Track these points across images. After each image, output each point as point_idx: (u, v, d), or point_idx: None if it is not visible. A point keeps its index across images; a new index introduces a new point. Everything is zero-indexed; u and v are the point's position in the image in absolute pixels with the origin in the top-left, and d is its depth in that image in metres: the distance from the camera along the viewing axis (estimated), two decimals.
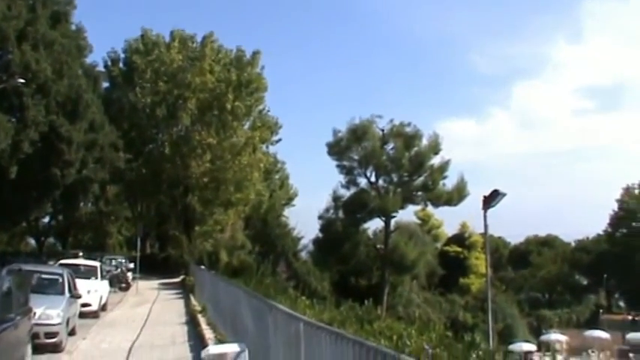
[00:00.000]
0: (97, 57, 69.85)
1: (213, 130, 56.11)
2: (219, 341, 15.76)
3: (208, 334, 18.87)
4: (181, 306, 31.63)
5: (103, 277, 30.27)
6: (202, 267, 34.73)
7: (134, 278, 43.44)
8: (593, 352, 56.68)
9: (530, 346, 52.13)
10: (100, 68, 59.91)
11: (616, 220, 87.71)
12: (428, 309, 62.41)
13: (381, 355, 4.33)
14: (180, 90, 56.40)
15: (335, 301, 22.00)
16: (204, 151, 56.48)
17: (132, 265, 46.60)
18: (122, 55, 62.97)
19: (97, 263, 31.45)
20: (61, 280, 20.22)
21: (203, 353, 8.37)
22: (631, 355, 56.41)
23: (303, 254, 65.37)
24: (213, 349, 8.46)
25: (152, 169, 58.08)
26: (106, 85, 61.61)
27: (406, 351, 6.21)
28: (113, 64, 62.89)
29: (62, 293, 19.45)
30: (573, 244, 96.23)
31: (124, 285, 41.47)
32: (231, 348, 8.17)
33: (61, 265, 26.94)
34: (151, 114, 57.47)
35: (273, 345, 8.81)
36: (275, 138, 68.57)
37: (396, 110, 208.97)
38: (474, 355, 6.25)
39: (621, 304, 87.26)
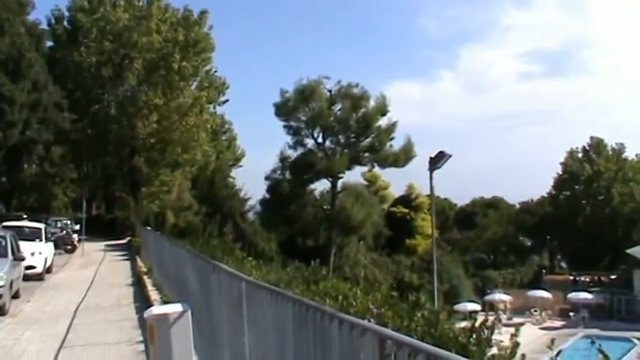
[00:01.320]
0: (40, 15, 68.65)
1: (160, 91, 55.50)
2: (165, 302, 15.81)
3: (154, 295, 18.91)
4: (127, 268, 31.58)
5: (47, 240, 30.05)
6: (148, 228, 34.60)
7: (80, 240, 43.16)
8: (535, 311, 57.92)
9: (475, 306, 53.11)
10: (44, 26, 58.95)
11: (560, 183, 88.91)
12: (374, 270, 62.97)
13: (319, 313, 4.44)
14: (127, 50, 55.55)
15: (282, 262, 22.20)
16: (151, 112, 55.95)
17: (78, 227, 46.25)
18: (66, 14, 61.62)
19: (41, 225, 31.20)
20: (3, 242, 20.06)
21: (145, 314, 8.43)
22: (571, 314, 57.77)
23: (251, 215, 65.41)
24: (155, 309, 8.52)
25: (98, 129, 57.29)
26: (49, 44, 60.47)
27: (351, 311, 6.36)
28: (57, 23, 61.61)
29: (5, 256, 19.31)
30: (518, 206, 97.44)
31: (69, 247, 41.16)
32: (174, 308, 8.25)
33: (4, 227, 26.60)
34: (96, 74, 56.50)
35: (217, 305, 8.90)
36: (222, 99, 67.95)
37: (345, 72, 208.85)
38: (419, 315, 6.39)
39: (563, 265, 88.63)
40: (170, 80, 55.32)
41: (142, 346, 12.28)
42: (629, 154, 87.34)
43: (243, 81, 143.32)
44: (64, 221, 48.98)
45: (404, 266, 67.16)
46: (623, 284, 60.07)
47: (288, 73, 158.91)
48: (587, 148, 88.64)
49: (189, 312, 8.14)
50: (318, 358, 4.49)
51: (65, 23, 61.42)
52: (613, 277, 67.06)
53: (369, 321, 5.46)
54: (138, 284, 23.54)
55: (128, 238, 45.98)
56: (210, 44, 58.78)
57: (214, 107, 66.22)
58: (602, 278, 67.88)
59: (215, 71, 64.44)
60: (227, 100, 69.55)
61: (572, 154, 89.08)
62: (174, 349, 7.90)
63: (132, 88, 57.20)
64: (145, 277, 23.72)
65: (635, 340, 34.50)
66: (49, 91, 49.19)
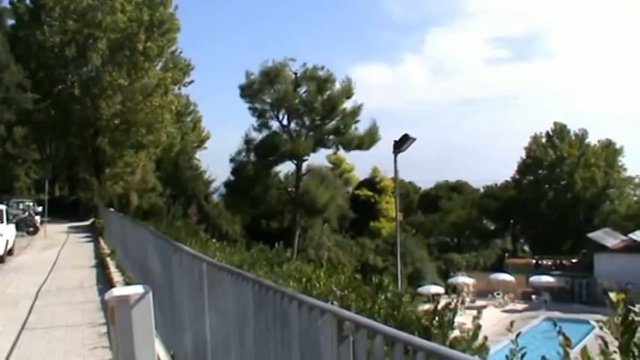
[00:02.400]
0: None
1: (124, 71, 54.96)
2: (127, 284, 15.78)
3: (117, 277, 18.86)
4: (91, 249, 31.37)
5: (9, 221, 29.78)
6: (112, 210, 34.41)
7: (42, 222, 42.81)
8: (498, 294, 58.53)
9: (438, 289, 53.53)
10: (5, 4, 58.14)
11: (523, 168, 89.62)
12: (339, 252, 63.27)
13: (279, 294, 4.45)
14: (91, 29, 54.88)
15: (246, 244, 22.19)
16: (115, 93, 55.42)
17: (40, 209, 45.88)
18: None
19: (2, 207, 30.86)
20: None
21: (106, 296, 8.38)
22: (533, 297, 58.45)
23: (215, 197, 65.40)
24: (116, 291, 8.46)
25: (61, 110, 56.62)
26: (11, 22, 59.67)
27: (314, 293, 6.38)
28: (19, 1, 60.52)
29: None
30: (482, 190, 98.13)
31: (31, 229, 40.84)
32: (135, 290, 8.20)
33: None
34: (59, 54, 55.78)
35: (179, 286, 8.89)
36: (187, 80, 67.55)
37: (311, 54, 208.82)
38: (382, 297, 6.42)
39: (526, 248, 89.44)
40: (135, 61, 54.82)
41: (104, 328, 12.26)
42: (592, 139, 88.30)
43: (209, 62, 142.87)
44: (27, 203, 48.54)
45: (368, 249, 67.51)
46: (584, 268, 60.87)
47: (254, 55, 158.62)
48: (551, 133, 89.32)
49: (151, 293, 8.11)
50: (277, 338, 4.51)
51: (27, 1, 60.48)
52: (574, 260, 67.83)
53: (332, 303, 5.49)
54: (101, 266, 23.43)
55: (91, 220, 45.72)
56: (176, 25, 58.26)
57: (179, 88, 65.80)
58: (564, 262, 68.58)
59: (180, 52, 64.02)
60: (192, 82, 69.15)
61: (535, 139, 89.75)
62: (136, 330, 7.87)
63: (96, 68, 56.52)
64: (108, 258, 23.63)
65: (594, 322, 35.01)
66: (10, 71, 48.55)
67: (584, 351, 3.28)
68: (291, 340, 4.21)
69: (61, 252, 31.12)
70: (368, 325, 3.16)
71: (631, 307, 3.15)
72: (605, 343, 3.22)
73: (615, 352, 3.12)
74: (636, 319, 3.12)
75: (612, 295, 3.23)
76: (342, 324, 3.38)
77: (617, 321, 3.14)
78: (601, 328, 3.30)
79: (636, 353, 3.03)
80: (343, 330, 3.36)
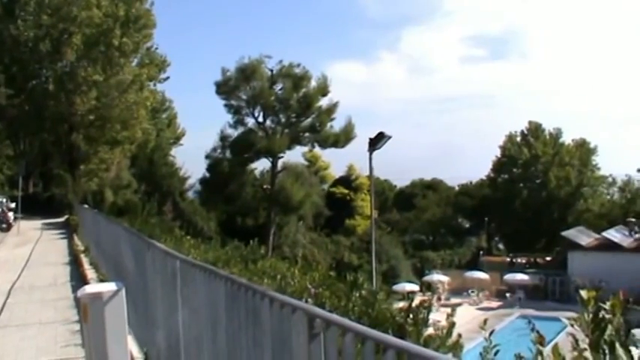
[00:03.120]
0: None
1: (100, 67, 54.58)
2: (102, 281, 15.71)
3: (90, 274, 18.76)
4: (64, 246, 31.17)
5: None
6: (86, 206, 34.21)
7: (16, 218, 42.48)
8: (472, 291, 58.79)
9: (413, 286, 53.67)
10: None
11: (498, 167, 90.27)
12: (314, 249, 63.31)
13: (251, 292, 4.43)
14: (65, 24, 54.45)
15: (221, 241, 22.15)
16: (90, 88, 55.02)
17: (13, 205, 45.49)
18: None
19: None
20: None
21: (79, 293, 8.32)
22: (508, 294, 58.78)
23: (190, 194, 65.29)
24: (89, 288, 8.41)
25: (35, 105, 56.16)
26: None
27: (288, 290, 6.36)
28: None
29: None
30: (457, 188, 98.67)
31: (4, 225, 40.60)
32: (108, 287, 8.15)
33: None
34: (34, 48, 55.31)
35: (152, 283, 8.85)
36: (163, 76, 67.26)
37: (287, 52, 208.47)
38: (357, 295, 6.42)
39: (501, 246, 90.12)
40: (110, 56, 54.46)
41: (77, 326, 12.16)
42: (566, 138, 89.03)
43: (185, 59, 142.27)
44: None
45: (343, 246, 67.60)
46: (558, 266, 61.30)
47: (230, 51, 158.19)
48: (526, 132, 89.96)
49: (124, 290, 8.06)
50: (249, 335, 4.49)
51: None
52: (548, 258, 68.40)
53: (307, 301, 5.48)
54: (75, 263, 23.29)
55: (66, 217, 45.41)
56: (152, 21, 57.97)
57: (155, 85, 65.52)
58: (538, 260, 69.13)
59: (156, 48, 63.70)
60: (168, 78, 68.87)
61: (510, 138, 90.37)
62: (108, 327, 7.82)
63: (71, 63, 56.11)
64: (82, 255, 23.51)
65: (565, 320, 35.18)
66: None
67: (554, 348, 3.29)
68: (263, 338, 4.20)
69: (35, 249, 30.90)
70: (339, 322, 3.15)
71: (601, 305, 3.16)
72: (576, 341, 3.23)
73: (586, 349, 3.13)
74: (607, 316, 3.13)
75: (583, 293, 3.24)
76: (313, 321, 3.37)
77: (588, 318, 3.16)
78: (572, 325, 3.31)
79: (606, 350, 3.05)
80: (314, 327, 3.35)
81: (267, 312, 4.06)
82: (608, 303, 3.16)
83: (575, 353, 3.17)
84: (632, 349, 3.06)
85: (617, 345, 3.03)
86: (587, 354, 3.10)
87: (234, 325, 4.85)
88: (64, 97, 55.04)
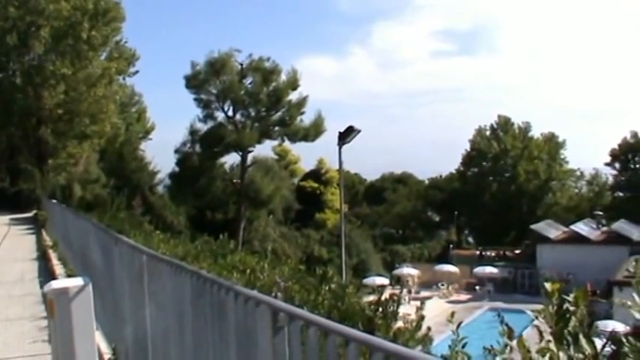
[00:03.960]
0: None
1: (68, 61, 54.08)
2: (69, 276, 15.57)
3: (59, 269, 18.63)
4: (32, 242, 30.91)
5: None
6: (54, 201, 33.94)
7: None
8: (442, 284, 59.13)
9: (383, 280, 53.80)
10: None
11: (468, 160, 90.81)
12: (284, 243, 63.33)
13: (216, 286, 4.41)
14: (33, 17, 53.88)
15: (191, 236, 22.06)
16: (58, 82, 54.52)
17: None
18: None
19: None
20: None
21: (45, 288, 8.26)
22: (477, 287, 59.21)
23: (160, 188, 65.02)
24: (55, 283, 8.32)
25: (2, 99, 55.53)
26: None
27: (258, 284, 6.35)
28: None
29: None
30: (427, 182, 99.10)
31: None
32: (75, 282, 8.08)
33: None
34: (0, 41, 54.88)
35: (119, 278, 8.80)
36: (132, 70, 66.81)
37: (257, 46, 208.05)
38: (326, 289, 6.41)
39: (470, 239, 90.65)
40: (78, 50, 53.99)
41: (45, 322, 12.06)
42: (535, 132, 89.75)
43: (155, 53, 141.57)
44: None
45: (313, 240, 67.72)
46: (527, 259, 61.87)
47: (200, 45, 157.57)
48: (495, 126, 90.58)
49: (90, 286, 7.99)
50: (215, 329, 4.48)
51: None
52: (517, 251, 68.97)
53: (276, 295, 5.47)
54: (43, 258, 23.11)
55: (34, 212, 45.07)
56: (121, 14, 57.54)
57: (124, 78, 65.03)
58: (507, 253, 69.65)
59: (125, 42, 63.18)
60: (137, 72, 68.44)
61: (480, 131, 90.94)
62: (75, 323, 7.76)
63: (38, 57, 55.57)
64: (50, 250, 23.35)
65: (530, 313, 35.62)
66: None
67: (520, 340, 3.31)
68: (228, 331, 4.19)
69: (2, 245, 30.62)
70: (302, 316, 3.15)
71: (565, 297, 3.18)
72: (540, 332, 3.25)
73: (550, 340, 3.14)
74: (570, 308, 3.15)
75: (547, 286, 3.26)
76: (277, 315, 3.36)
77: (552, 310, 3.17)
78: (537, 317, 3.33)
79: (570, 341, 3.06)
80: (278, 321, 3.34)
81: (232, 306, 4.04)
82: (571, 295, 3.18)
83: (542, 344, 3.19)
84: (596, 340, 3.08)
85: (581, 336, 3.05)
86: (552, 345, 3.12)
87: (200, 320, 4.83)
88: (32, 91, 54.51)
